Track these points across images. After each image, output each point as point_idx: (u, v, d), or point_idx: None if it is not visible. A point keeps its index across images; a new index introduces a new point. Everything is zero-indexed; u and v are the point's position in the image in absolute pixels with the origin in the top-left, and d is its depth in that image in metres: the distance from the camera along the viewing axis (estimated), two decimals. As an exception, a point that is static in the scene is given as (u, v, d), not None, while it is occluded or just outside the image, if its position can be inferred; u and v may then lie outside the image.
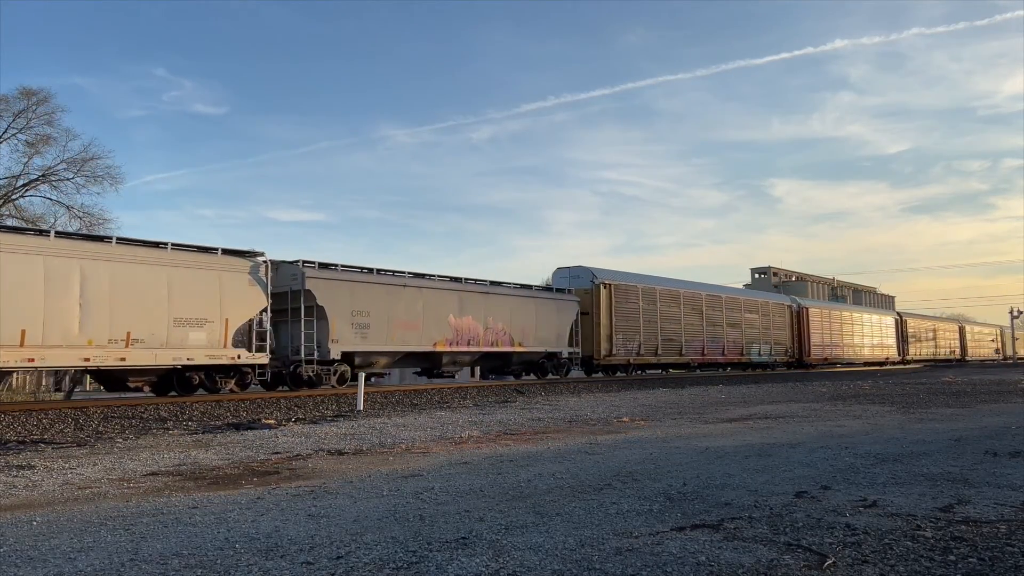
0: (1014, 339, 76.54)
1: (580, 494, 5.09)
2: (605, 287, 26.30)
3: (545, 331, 23.64)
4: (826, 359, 41.25)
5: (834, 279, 79.01)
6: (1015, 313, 74.41)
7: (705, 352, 31.39)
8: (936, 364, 55.27)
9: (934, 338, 58.43)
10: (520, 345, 22.73)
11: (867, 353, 45.95)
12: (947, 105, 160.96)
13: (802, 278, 76.37)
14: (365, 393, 14.83)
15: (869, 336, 46.37)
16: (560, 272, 27.02)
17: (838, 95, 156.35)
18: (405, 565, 3.38)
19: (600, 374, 26.94)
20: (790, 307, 38.48)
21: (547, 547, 3.67)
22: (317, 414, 13.29)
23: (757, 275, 77.28)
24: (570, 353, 24.64)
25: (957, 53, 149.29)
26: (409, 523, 4.26)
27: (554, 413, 12.59)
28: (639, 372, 28.97)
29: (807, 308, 39.87)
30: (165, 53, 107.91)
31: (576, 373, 26.28)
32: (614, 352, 26.53)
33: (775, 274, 76.38)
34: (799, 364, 38.33)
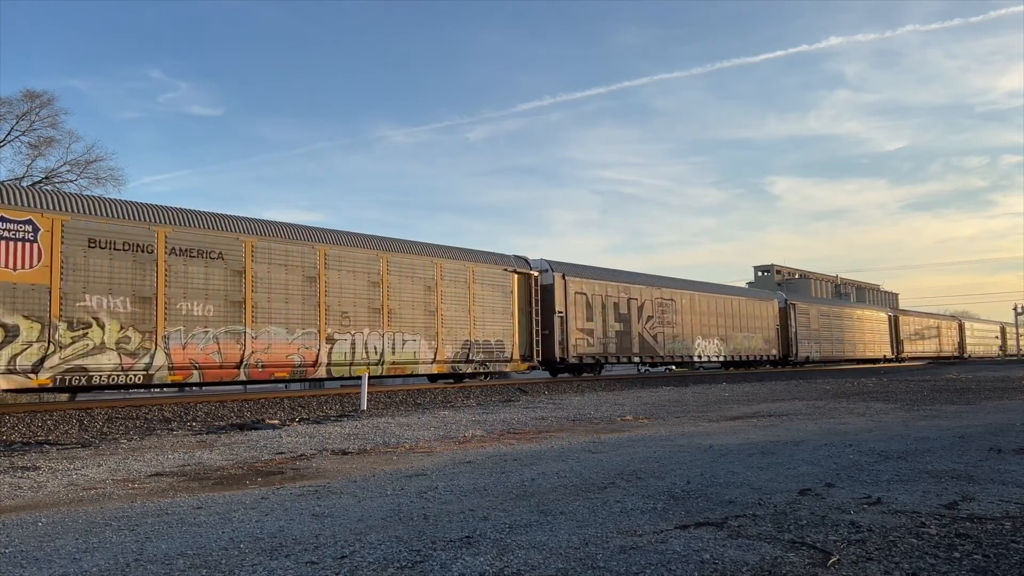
0: (1018, 335, 76.16)
1: (584, 492, 5.09)
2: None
3: None
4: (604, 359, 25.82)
5: (837, 277, 78.91)
6: (1019, 309, 74.25)
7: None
8: (839, 366, 40.91)
9: (850, 330, 43.40)
10: None
11: (713, 349, 31.77)
12: (944, 102, 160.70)
13: (805, 276, 76.13)
14: (368, 393, 14.84)
15: (729, 327, 33.04)
16: None
17: (834, 93, 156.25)
18: (409, 564, 3.38)
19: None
20: (520, 275, 22.56)
21: (551, 545, 3.67)
22: (321, 414, 13.30)
23: (760, 273, 77.02)
24: None
25: (952, 50, 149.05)
26: (413, 522, 4.27)
27: (557, 412, 12.58)
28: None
29: (569, 281, 24.31)
30: (159, 55, 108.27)
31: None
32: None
33: (778, 272, 76.10)
34: (549, 364, 24.11)
